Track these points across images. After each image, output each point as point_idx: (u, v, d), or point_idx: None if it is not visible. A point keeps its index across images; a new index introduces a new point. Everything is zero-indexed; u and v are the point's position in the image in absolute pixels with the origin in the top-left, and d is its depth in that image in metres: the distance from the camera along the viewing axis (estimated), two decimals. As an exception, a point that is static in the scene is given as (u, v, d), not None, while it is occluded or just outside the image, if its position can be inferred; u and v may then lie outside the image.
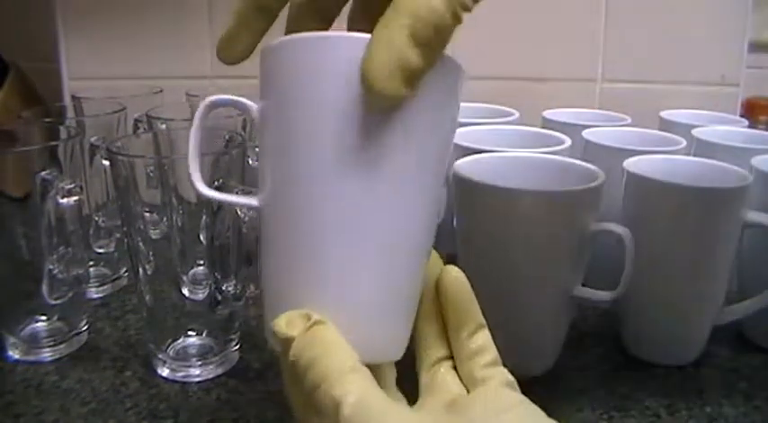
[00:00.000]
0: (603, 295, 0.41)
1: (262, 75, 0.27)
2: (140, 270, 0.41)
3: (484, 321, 0.29)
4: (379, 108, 0.24)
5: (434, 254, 0.30)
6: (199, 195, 0.30)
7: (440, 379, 0.29)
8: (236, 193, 0.38)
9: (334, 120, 0.25)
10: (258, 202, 0.28)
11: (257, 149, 0.54)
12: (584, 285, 0.42)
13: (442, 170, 0.28)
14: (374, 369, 0.26)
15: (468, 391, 0.28)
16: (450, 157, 0.29)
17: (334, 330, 0.25)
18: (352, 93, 0.24)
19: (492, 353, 0.29)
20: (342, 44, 0.25)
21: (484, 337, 0.29)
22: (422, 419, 0.26)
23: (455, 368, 0.29)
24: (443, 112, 0.26)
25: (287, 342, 0.25)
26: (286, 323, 0.26)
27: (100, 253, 0.53)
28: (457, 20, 0.23)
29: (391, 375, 0.29)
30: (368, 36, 0.23)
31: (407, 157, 0.25)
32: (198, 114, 0.29)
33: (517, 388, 0.28)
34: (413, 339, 0.29)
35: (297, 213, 0.26)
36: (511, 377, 0.28)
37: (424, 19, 0.23)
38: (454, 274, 0.29)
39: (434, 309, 0.30)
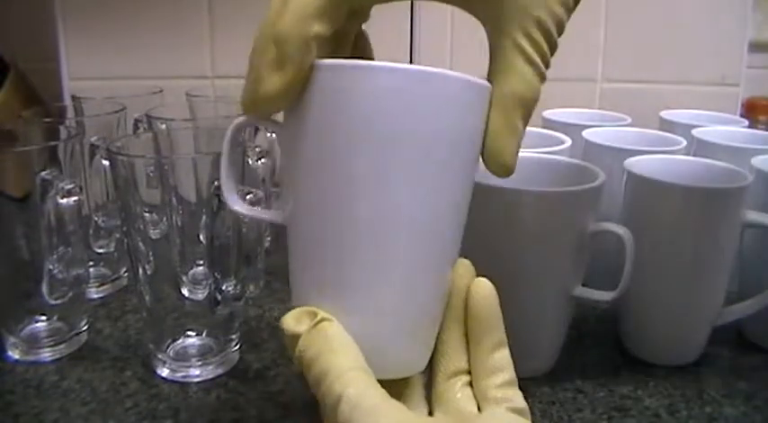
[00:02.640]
0: (603, 295, 0.41)
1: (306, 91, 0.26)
2: (140, 270, 0.41)
3: (506, 340, 0.29)
4: (503, 175, 0.29)
5: (466, 262, 0.30)
6: (239, 215, 0.31)
7: (454, 394, 0.28)
8: (236, 193, 0.38)
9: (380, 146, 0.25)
10: (284, 216, 0.29)
11: (257, 149, 0.54)
12: (584, 285, 0.42)
13: (469, 188, 0.29)
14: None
15: (479, 409, 0.28)
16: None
17: (339, 328, 0.26)
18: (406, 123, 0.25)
19: (510, 373, 0.29)
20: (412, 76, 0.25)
21: (504, 356, 0.29)
22: (419, 419, 0.26)
23: (470, 384, 0.29)
24: (475, 131, 0.28)
25: (294, 339, 0.26)
26: (294, 320, 0.26)
27: (100, 253, 0.53)
28: (544, 82, 0.29)
29: (419, 383, 0.29)
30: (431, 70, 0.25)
31: (444, 182, 0.27)
32: (227, 138, 0.29)
33: (528, 415, 0.28)
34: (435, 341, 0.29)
35: (331, 228, 0.26)
36: (523, 403, 0.28)
37: (532, 101, 0.29)
38: (487, 290, 0.29)
39: (459, 318, 0.29)
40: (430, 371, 0.30)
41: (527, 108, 0.28)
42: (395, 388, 0.27)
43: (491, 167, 0.28)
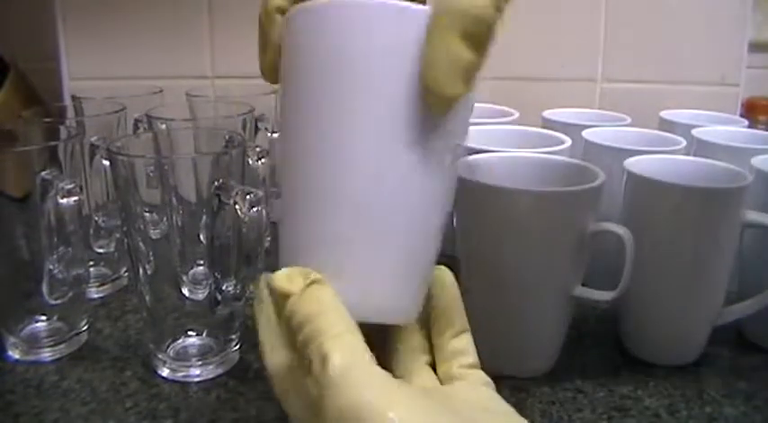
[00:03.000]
0: (603, 295, 0.41)
1: (299, 32, 0.27)
2: (140, 270, 0.41)
3: (468, 327, 0.30)
4: (441, 110, 0.25)
5: None
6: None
7: (415, 370, 0.29)
8: (236, 193, 0.38)
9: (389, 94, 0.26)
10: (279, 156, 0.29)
11: (258, 149, 0.54)
12: (584, 285, 0.42)
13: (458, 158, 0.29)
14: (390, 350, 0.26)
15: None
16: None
17: (331, 291, 0.26)
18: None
19: (473, 356, 0.29)
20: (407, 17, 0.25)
21: (467, 340, 0.29)
22: (403, 386, 0.25)
23: (431, 366, 0.29)
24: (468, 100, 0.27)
25: (284, 297, 0.26)
26: (287, 278, 0.26)
27: (100, 253, 0.53)
28: (500, 12, 0.24)
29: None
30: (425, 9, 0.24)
31: (440, 139, 0.27)
32: None
33: (494, 387, 0.28)
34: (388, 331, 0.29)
35: (329, 171, 0.26)
36: (488, 378, 0.28)
37: (473, 18, 0.24)
38: (450, 279, 0.30)
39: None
40: (387, 352, 0.29)
41: (469, 28, 0.24)
42: (388, 339, 0.28)
43: (427, 101, 0.25)
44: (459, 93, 0.25)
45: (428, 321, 0.30)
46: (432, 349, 0.30)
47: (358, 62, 0.25)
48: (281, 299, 0.26)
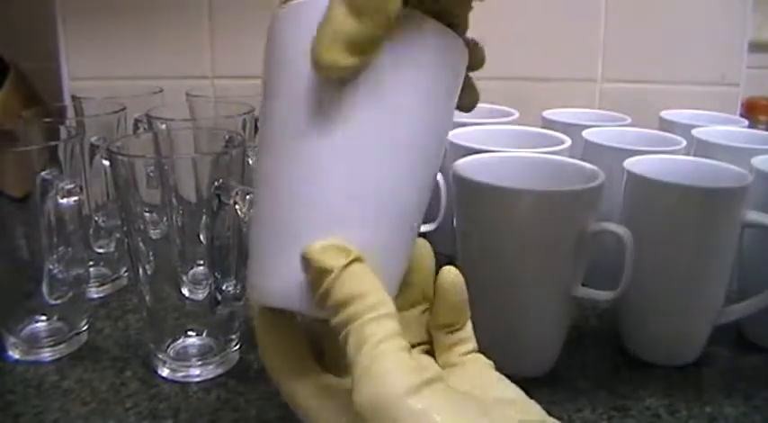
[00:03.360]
0: (604, 295, 0.41)
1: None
2: (140, 270, 0.41)
3: (469, 316, 0.30)
4: (329, 78, 0.25)
5: (425, 242, 0.30)
6: None
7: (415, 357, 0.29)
8: (236, 193, 0.38)
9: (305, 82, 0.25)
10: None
11: (257, 149, 0.54)
12: (583, 285, 0.42)
13: (429, 136, 0.27)
14: None
15: None
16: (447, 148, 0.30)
17: (369, 270, 0.25)
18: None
19: (473, 343, 0.29)
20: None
21: (468, 330, 0.30)
22: (434, 382, 0.25)
23: (429, 353, 0.30)
24: (422, 71, 0.26)
25: (322, 273, 0.25)
26: (324, 253, 0.25)
27: (100, 253, 0.53)
28: None
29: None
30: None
31: (380, 116, 0.25)
32: None
33: (494, 367, 0.29)
34: None
35: (288, 165, 0.26)
36: (489, 361, 0.29)
37: None
38: (455, 275, 0.30)
39: (418, 296, 0.30)
40: None
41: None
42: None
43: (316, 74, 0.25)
44: (341, 63, 0.24)
45: (428, 308, 0.30)
46: (430, 340, 0.30)
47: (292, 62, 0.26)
48: (317, 273, 0.25)
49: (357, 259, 0.25)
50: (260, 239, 0.27)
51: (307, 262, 0.25)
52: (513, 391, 0.27)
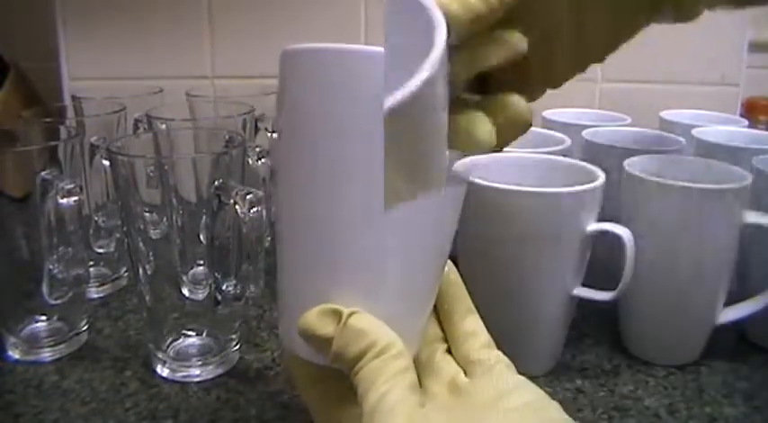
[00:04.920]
0: (604, 295, 0.41)
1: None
2: (140, 270, 0.41)
3: (474, 308, 0.30)
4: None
5: None
6: None
7: (437, 359, 0.29)
8: (236, 193, 0.38)
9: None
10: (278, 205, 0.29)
11: (258, 149, 0.54)
12: (583, 285, 0.42)
13: (449, 239, 0.30)
14: None
15: (465, 373, 0.29)
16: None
17: (367, 316, 0.26)
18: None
19: (485, 335, 0.30)
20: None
21: (475, 321, 0.30)
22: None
23: (449, 352, 0.30)
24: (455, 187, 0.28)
25: (324, 341, 0.26)
26: (318, 321, 0.26)
27: (100, 253, 0.53)
28: None
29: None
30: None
31: (427, 221, 0.28)
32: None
33: (515, 370, 0.29)
34: None
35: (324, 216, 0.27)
36: (508, 360, 0.29)
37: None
38: (451, 276, 0.31)
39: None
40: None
41: None
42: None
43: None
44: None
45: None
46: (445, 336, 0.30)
47: (345, 112, 0.26)
48: (318, 343, 0.26)
49: (353, 314, 0.26)
50: (287, 291, 0.29)
51: (305, 333, 0.26)
52: (534, 395, 0.27)
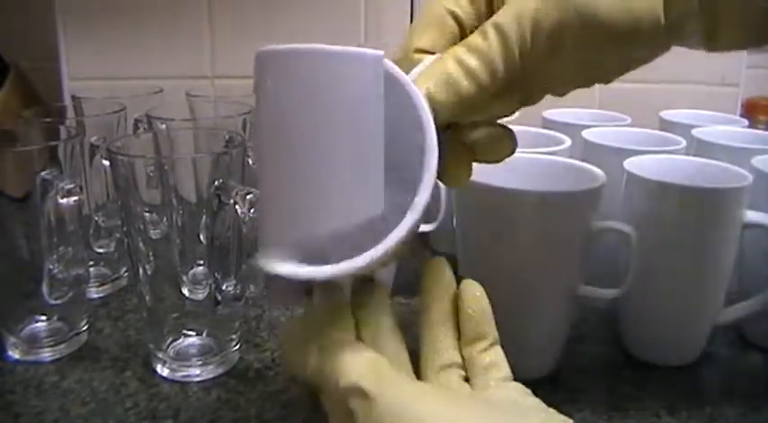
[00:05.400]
0: (608, 293, 0.41)
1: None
2: (140, 270, 0.41)
3: (498, 338, 0.29)
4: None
5: (443, 261, 0.30)
6: None
7: (448, 382, 0.28)
8: (236, 193, 0.38)
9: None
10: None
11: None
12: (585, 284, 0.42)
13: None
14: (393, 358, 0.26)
15: None
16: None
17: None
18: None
19: (506, 369, 0.29)
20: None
21: (498, 353, 0.29)
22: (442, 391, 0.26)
23: (466, 380, 0.29)
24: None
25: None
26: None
27: (100, 253, 0.53)
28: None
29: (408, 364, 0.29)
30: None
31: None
32: None
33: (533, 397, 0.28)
34: (420, 340, 0.29)
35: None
36: (529, 390, 0.28)
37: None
38: (479, 290, 0.30)
39: (449, 314, 0.29)
40: (420, 368, 0.29)
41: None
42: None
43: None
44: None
45: (458, 333, 0.29)
46: (464, 363, 0.29)
47: (332, 111, 0.26)
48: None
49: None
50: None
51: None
52: (549, 415, 0.26)
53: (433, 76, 0.27)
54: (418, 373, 0.29)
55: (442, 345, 0.29)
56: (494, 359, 0.28)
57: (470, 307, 0.29)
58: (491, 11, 0.29)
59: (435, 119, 0.26)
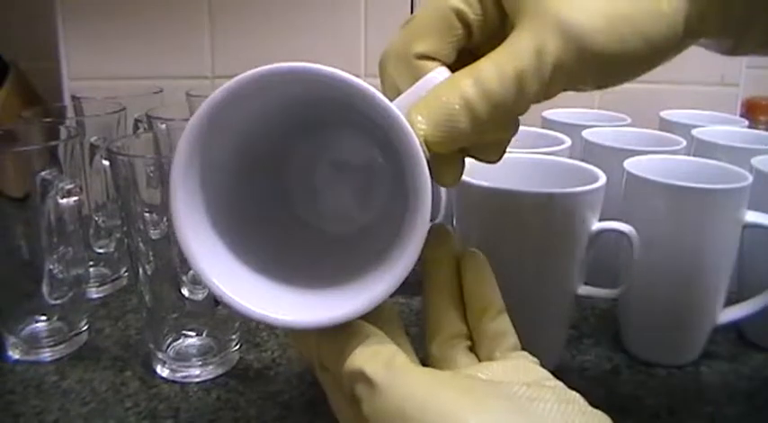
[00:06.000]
0: (608, 293, 0.41)
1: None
2: (140, 270, 0.41)
3: (505, 308, 0.29)
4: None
5: (449, 228, 0.30)
6: None
7: (454, 354, 0.27)
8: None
9: None
10: None
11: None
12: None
13: None
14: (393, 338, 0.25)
15: None
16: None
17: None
18: None
19: (514, 338, 0.28)
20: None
21: (506, 322, 0.28)
22: (456, 377, 0.24)
23: (471, 350, 0.28)
24: None
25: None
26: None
27: (100, 253, 0.53)
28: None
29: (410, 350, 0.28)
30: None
31: None
32: None
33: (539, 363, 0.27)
34: (424, 311, 0.28)
35: None
36: (536, 359, 0.27)
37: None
38: (482, 260, 0.29)
39: (452, 284, 0.29)
40: (424, 340, 0.28)
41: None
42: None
43: None
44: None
45: (462, 303, 0.29)
46: (469, 332, 0.28)
47: None
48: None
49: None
50: None
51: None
52: (560, 385, 0.25)
53: (431, 113, 0.25)
54: (423, 346, 0.28)
55: (446, 315, 0.28)
56: (500, 328, 0.28)
57: (474, 276, 0.28)
58: (500, 11, 0.27)
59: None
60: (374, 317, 0.27)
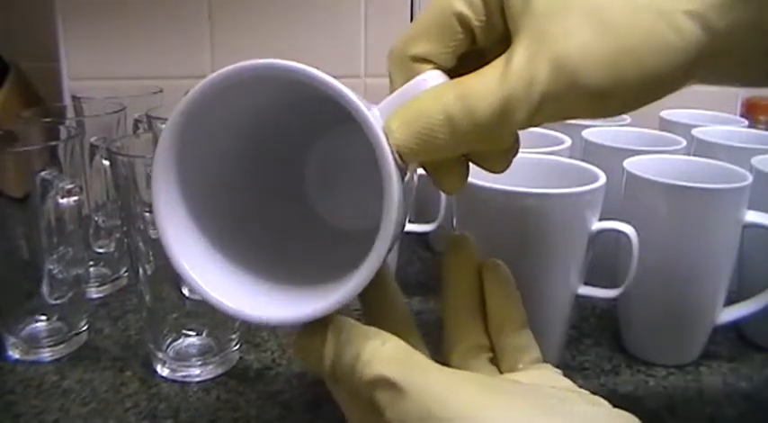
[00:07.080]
0: (608, 293, 0.41)
1: None
2: (140, 270, 0.41)
3: (527, 322, 0.28)
4: None
5: (468, 236, 0.29)
6: None
7: (476, 364, 0.27)
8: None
9: None
10: None
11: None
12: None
13: None
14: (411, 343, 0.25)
15: None
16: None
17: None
18: None
19: (537, 352, 0.28)
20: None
21: (528, 336, 0.28)
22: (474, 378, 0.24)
23: (492, 362, 0.28)
24: None
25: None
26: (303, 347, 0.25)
27: (100, 253, 0.53)
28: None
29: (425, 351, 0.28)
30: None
31: None
32: None
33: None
34: (444, 322, 0.28)
35: None
36: (559, 371, 0.27)
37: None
38: (505, 272, 0.29)
39: (473, 294, 0.28)
40: (443, 351, 0.28)
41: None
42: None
43: None
44: None
45: (484, 316, 0.29)
46: (491, 346, 0.28)
47: None
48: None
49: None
50: None
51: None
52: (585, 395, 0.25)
53: (409, 122, 0.24)
54: (441, 358, 0.27)
55: (466, 327, 0.28)
56: (523, 342, 0.27)
57: (497, 288, 0.28)
58: (502, 15, 0.26)
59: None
60: (387, 317, 0.26)
